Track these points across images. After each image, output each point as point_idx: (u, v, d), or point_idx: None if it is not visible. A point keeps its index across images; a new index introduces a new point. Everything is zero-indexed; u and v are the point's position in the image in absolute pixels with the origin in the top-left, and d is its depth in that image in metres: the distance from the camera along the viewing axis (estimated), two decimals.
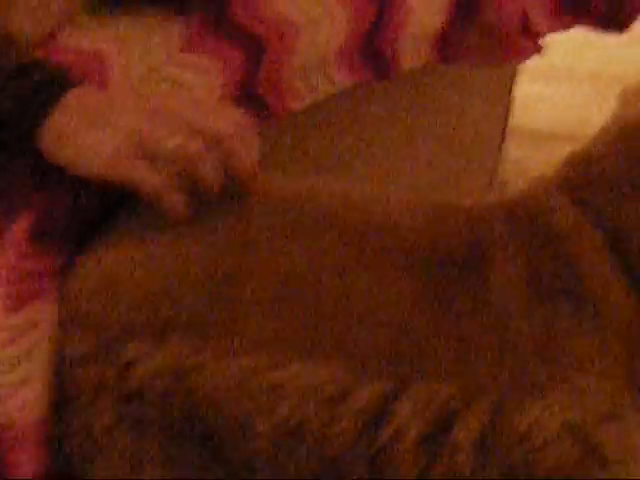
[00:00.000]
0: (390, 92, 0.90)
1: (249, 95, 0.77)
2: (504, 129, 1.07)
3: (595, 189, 0.66)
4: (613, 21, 0.98)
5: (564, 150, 0.72)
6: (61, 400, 0.67)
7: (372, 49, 0.83)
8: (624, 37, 1.01)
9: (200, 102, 0.72)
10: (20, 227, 0.68)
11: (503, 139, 1.06)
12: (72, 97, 0.67)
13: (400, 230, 0.66)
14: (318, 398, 0.64)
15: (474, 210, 0.69)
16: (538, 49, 0.90)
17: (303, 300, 0.65)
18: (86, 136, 0.66)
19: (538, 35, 0.91)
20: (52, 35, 0.73)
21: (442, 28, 0.87)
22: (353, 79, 0.83)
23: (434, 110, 0.95)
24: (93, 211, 0.72)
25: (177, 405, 0.66)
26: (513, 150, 1.13)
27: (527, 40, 0.89)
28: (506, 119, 1.06)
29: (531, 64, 1.12)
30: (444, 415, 0.64)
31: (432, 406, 0.63)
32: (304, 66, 0.79)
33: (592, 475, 0.65)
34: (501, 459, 0.63)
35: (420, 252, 0.65)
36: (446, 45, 0.88)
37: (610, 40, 1.08)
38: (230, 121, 0.68)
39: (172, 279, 0.66)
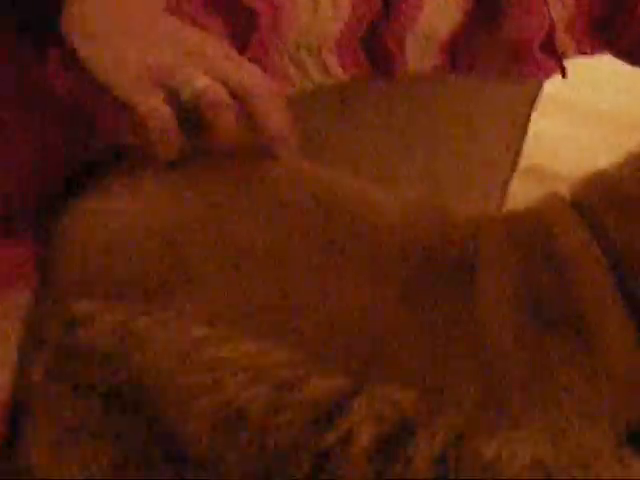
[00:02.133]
0: (395, 96, 0.87)
1: None
2: (515, 161, 1.02)
3: (611, 213, 0.62)
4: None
5: None
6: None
7: (376, 42, 0.81)
8: None
9: (234, 54, 0.70)
10: None
11: (513, 170, 1.01)
12: None
13: (391, 228, 0.64)
14: (267, 382, 0.60)
15: (473, 220, 0.66)
16: (560, 69, 0.88)
17: (271, 279, 0.63)
18: (119, 42, 0.65)
19: (563, 55, 0.89)
20: None
21: (454, 34, 0.85)
22: (352, 71, 0.80)
23: (444, 121, 0.92)
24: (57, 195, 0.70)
25: (119, 372, 0.64)
26: (522, 187, 1.09)
27: (549, 59, 0.87)
28: (519, 149, 1.01)
29: (553, 99, 1.09)
30: (403, 423, 0.59)
31: (390, 410, 0.59)
32: (298, 48, 0.77)
33: None
34: None
35: (407, 254, 0.63)
36: (457, 52, 0.86)
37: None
38: (262, 80, 0.66)
39: (137, 235, 0.66)
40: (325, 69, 0.79)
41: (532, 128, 1.06)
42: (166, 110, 0.64)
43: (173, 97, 0.64)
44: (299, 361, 0.61)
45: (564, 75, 0.89)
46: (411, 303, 0.62)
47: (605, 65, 1.04)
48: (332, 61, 0.79)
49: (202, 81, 0.64)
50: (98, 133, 0.71)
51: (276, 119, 0.66)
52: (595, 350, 0.60)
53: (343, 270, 0.63)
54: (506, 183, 1.00)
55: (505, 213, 0.71)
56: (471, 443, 0.59)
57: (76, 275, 0.67)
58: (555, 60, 0.87)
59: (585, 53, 0.94)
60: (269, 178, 0.66)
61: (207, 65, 0.65)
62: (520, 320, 0.61)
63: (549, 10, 0.86)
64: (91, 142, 0.71)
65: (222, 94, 0.64)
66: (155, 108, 0.64)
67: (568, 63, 0.90)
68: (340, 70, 0.80)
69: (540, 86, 1.00)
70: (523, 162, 1.07)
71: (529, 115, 1.00)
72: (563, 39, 0.90)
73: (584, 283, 0.61)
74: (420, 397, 0.60)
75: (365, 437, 0.59)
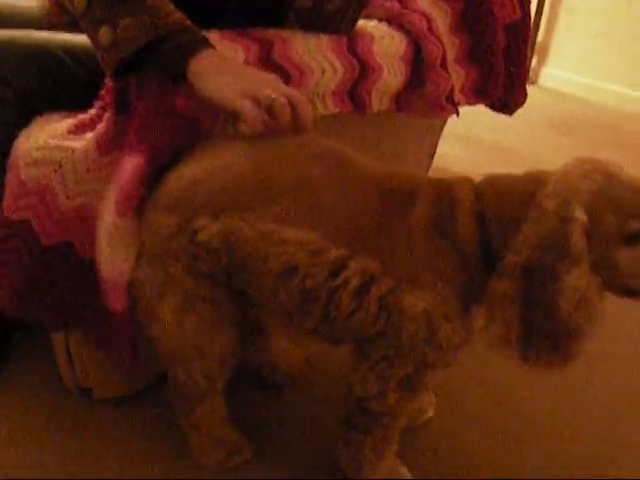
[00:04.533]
0: (364, 124, 1.26)
1: None
2: (430, 164, 1.44)
3: (489, 193, 0.90)
4: (505, 106, 1.43)
5: None
6: (147, 258, 0.97)
7: (355, 93, 1.16)
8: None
9: (283, 84, 1.00)
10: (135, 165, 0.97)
11: (429, 168, 1.43)
12: (210, 52, 0.97)
13: (375, 175, 0.94)
14: (307, 250, 0.90)
15: (416, 177, 0.96)
16: (456, 112, 1.29)
17: (309, 199, 0.91)
18: (219, 77, 0.94)
19: (458, 104, 1.30)
20: None
21: (399, 89, 1.22)
22: (342, 108, 1.15)
23: (388, 138, 1.29)
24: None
25: (222, 259, 0.92)
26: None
27: (450, 105, 1.27)
28: (431, 159, 1.43)
29: (453, 131, 1.47)
30: (370, 279, 0.91)
31: (366, 270, 0.91)
32: (312, 94, 1.11)
33: (427, 353, 0.91)
34: (390, 317, 0.90)
35: (379, 186, 0.92)
36: (400, 100, 1.24)
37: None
38: (300, 95, 0.97)
39: (230, 182, 0.91)
40: (326, 106, 1.14)
41: (439, 148, 1.49)
42: (255, 108, 0.92)
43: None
44: (322, 239, 0.89)
45: (458, 115, 1.30)
46: (379, 214, 0.90)
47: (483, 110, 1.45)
48: (330, 102, 1.14)
49: (274, 94, 0.93)
50: (200, 134, 1.00)
51: (309, 114, 0.95)
52: (461, 253, 0.88)
53: (345, 197, 0.90)
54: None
55: (437, 178, 0.95)
56: (397, 296, 0.86)
57: (193, 206, 0.90)
58: (454, 107, 1.27)
59: (471, 104, 1.35)
60: (306, 146, 0.93)
61: (273, 87, 0.94)
62: (429, 230, 0.89)
63: (451, 78, 1.26)
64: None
65: (284, 101, 0.94)
66: (246, 107, 0.92)
67: (461, 109, 1.31)
68: (335, 108, 1.15)
69: (445, 122, 1.41)
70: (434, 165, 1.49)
71: (438, 138, 1.42)
72: (458, 95, 1.31)
73: (463, 219, 0.88)
74: (379, 266, 0.89)
75: (353, 283, 0.90)
